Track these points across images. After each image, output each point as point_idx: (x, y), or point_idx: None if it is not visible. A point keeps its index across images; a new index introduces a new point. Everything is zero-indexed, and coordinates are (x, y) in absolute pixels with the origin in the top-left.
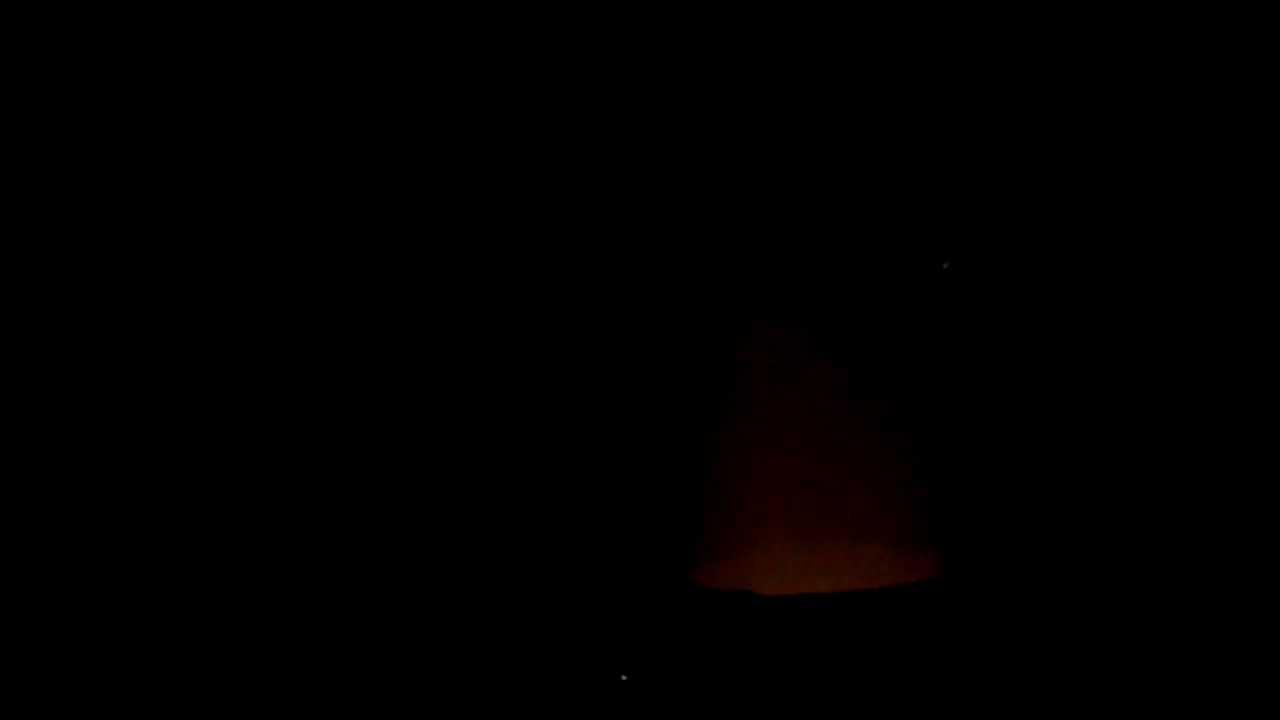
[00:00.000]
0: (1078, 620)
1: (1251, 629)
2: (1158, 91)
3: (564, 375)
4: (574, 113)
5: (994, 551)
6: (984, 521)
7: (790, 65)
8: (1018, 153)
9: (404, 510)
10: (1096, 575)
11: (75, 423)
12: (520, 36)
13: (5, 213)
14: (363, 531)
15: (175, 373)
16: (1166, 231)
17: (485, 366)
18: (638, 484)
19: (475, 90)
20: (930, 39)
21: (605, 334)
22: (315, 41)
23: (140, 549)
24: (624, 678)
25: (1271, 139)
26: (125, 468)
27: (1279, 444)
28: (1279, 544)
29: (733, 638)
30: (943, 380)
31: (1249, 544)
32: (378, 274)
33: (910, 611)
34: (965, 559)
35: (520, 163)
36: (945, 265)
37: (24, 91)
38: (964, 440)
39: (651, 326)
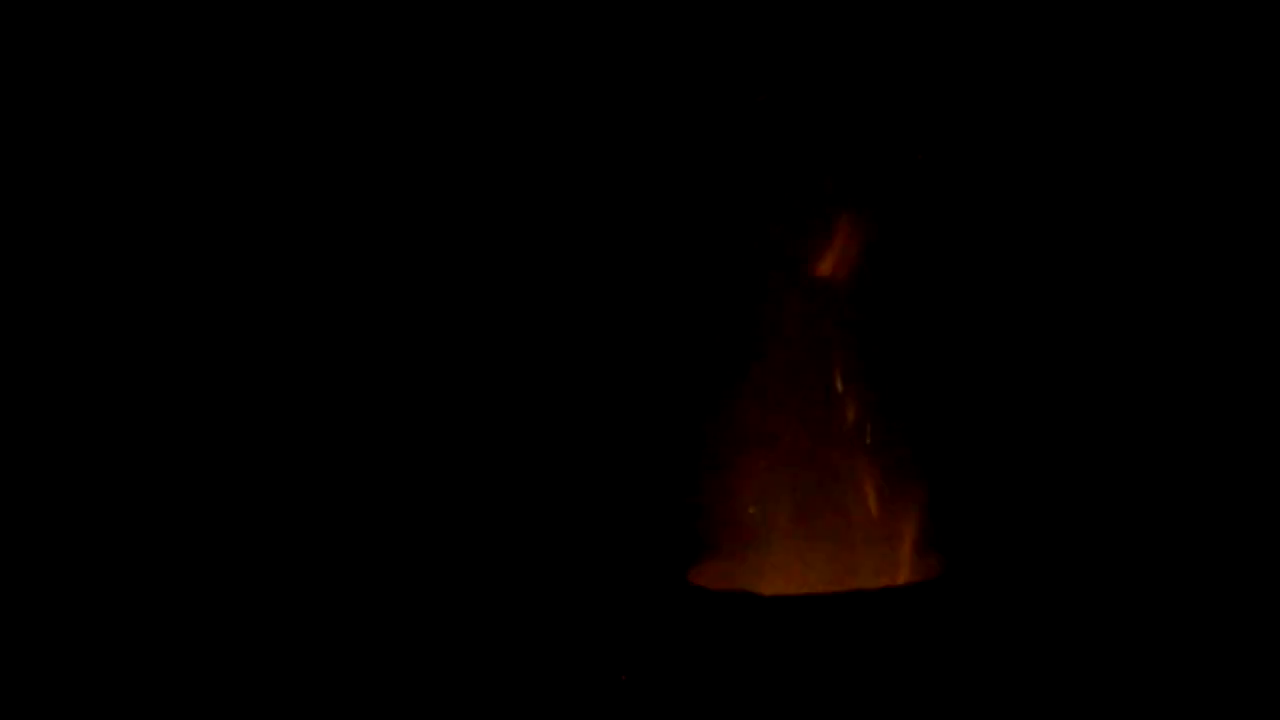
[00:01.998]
0: (1076, 620)
1: (1248, 627)
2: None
3: (567, 379)
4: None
5: (994, 552)
6: (984, 522)
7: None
8: (1017, 160)
9: (406, 511)
10: (1094, 576)
11: (76, 422)
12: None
13: (6, 213)
14: (364, 533)
15: (171, 374)
16: (1155, 241)
17: (491, 371)
18: (638, 485)
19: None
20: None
21: (608, 338)
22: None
23: (140, 548)
24: (624, 678)
25: None
26: (123, 467)
27: (1274, 446)
28: (1276, 544)
29: (733, 638)
30: (942, 384)
31: (1246, 544)
32: (383, 275)
33: (910, 611)
34: (965, 560)
35: (529, 165)
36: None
37: (25, 92)
38: (963, 443)
39: (653, 328)
